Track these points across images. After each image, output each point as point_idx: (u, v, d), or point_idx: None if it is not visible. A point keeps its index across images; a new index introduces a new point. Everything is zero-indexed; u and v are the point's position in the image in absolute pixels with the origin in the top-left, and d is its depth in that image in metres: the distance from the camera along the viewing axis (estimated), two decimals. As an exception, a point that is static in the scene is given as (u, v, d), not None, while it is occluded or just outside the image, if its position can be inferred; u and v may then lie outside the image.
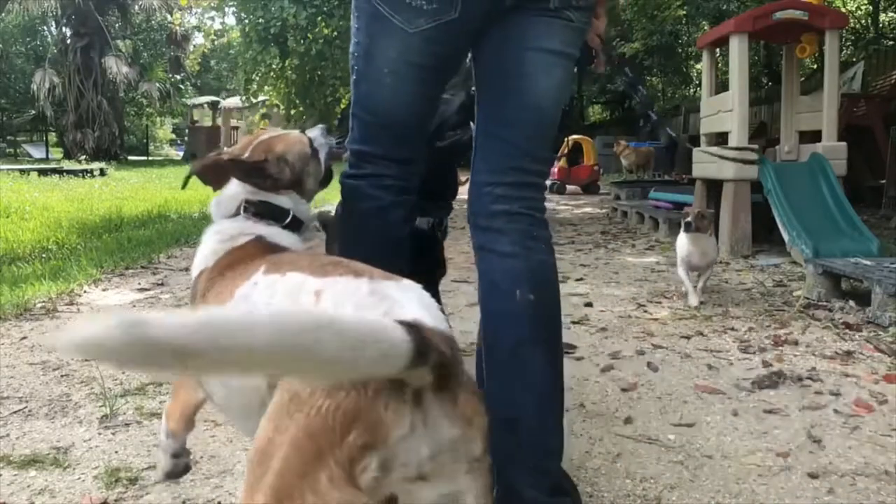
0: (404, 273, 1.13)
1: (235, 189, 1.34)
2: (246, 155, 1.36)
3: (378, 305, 0.89)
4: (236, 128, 25.35)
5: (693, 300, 3.33)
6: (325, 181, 1.49)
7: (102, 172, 13.96)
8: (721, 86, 5.89)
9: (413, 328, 0.71)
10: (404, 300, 0.90)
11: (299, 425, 0.75)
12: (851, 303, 3.22)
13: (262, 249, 1.22)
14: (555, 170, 11.81)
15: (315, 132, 1.48)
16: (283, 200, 1.35)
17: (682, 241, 3.44)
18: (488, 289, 1.35)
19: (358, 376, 0.73)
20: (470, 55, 1.43)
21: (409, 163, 1.43)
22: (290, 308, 0.87)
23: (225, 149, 1.45)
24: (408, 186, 1.45)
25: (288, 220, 1.33)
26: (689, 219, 3.40)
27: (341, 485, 0.73)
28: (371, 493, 0.75)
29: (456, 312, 2.86)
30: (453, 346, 0.83)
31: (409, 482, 0.79)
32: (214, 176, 1.36)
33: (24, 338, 2.68)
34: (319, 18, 9.79)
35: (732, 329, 2.90)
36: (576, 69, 1.45)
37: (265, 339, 0.60)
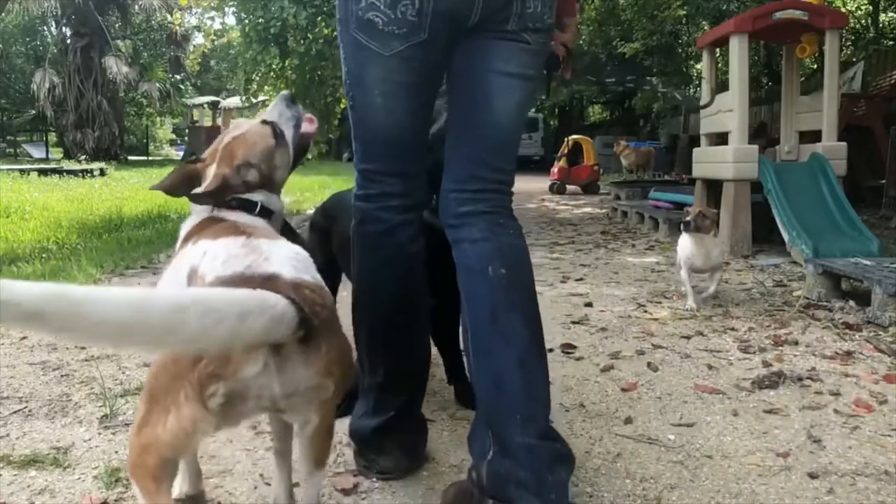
0: (421, 287, 1.44)
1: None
2: (213, 167, 1.40)
3: (247, 256, 1.02)
4: (236, 128, 25.32)
5: (691, 302, 3.24)
6: (298, 157, 1.53)
7: (102, 172, 13.96)
8: (721, 86, 5.89)
9: (292, 299, 0.86)
10: (271, 253, 1.03)
11: (168, 352, 0.94)
12: (851, 303, 3.22)
13: (215, 226, 1.27)
14: (555, 170, 11.82)
15: (276, 111, 1.51)
16: (254, 196, 1.40)
17: (684, 242, 3.33)
18: (464, 273, 1.45)
19: (243, 345, 0.87)
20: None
21: (410, 176, 1.53)
22: (160, 290, 0.97)
23: (198, 157, 1.48)
24: (413, 203, 1.55)
25: (257, 210, 1.39)
26: (688, 218, 3.27)
27: (193, 402, 0.92)
28: (222, 416, 0.94)
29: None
30: (323, 296, 0.98)
31: (265, 410, 0.98)
32: (185, 193, 1.40)
33: (24, 338, 2.68)
34: (319, 18, 9.78)
35: (732, 329, 2.90)
36: (545, 72, 1.57)
37: (118, 316, 0.72)
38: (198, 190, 1.36)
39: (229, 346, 0.86)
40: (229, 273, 0.99)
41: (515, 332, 1.37)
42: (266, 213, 1.40)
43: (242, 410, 0.96)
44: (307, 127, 1.54)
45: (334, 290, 2.00)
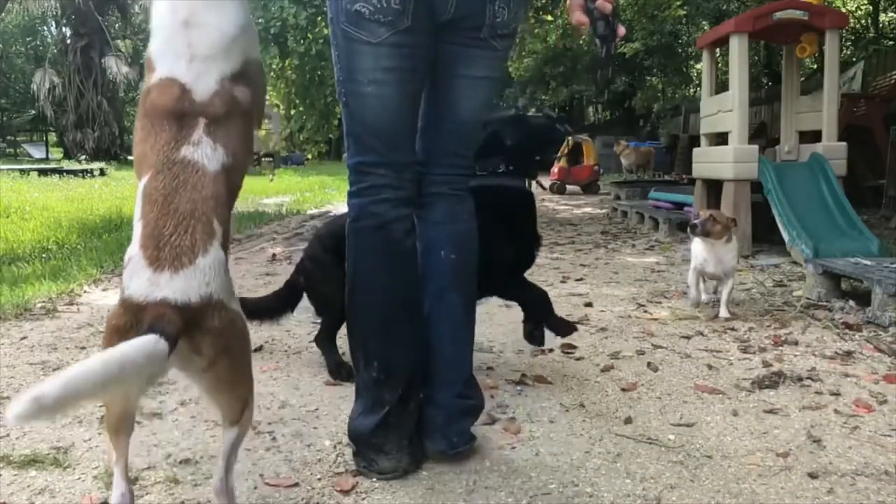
0: (415, 281, 1.69)
1: None
2: None
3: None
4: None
5: (693, 294, 3.18)
6: None
7: (102, 172, 13.97)
8: (721, 86, 5.89)
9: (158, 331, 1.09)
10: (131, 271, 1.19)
11: (107, 326, 1.21)
12: (851, 303, 3.22)
13: None
14: (555, 170, 11.81)
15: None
16: None
17: (697, 246, 3.15)
18: (423, 250, 1.70)
19: (147, 378, 1.18)
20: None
21: (401, 167, 1.62)
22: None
23: None
24: (405, 197, 1.64)
25: None
26: (696, 221, 3.09)
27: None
28: (142, 382, 1.20)
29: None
30: (198, 297, 1.16)
31: (167, 370, 1.21)
32: None
33: (24, 338, 2.68)
34: (319, 18, 9.77)
35: (732, 329, 2.90)
36: (603, 48, 1.59)
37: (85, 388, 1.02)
38: None
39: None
40: None
41: (454, 311, 1.71)
42: None
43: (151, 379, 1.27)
44: None
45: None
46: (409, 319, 1.65)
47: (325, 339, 2.36)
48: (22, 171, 12.75)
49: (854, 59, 10.12)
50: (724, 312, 3.08)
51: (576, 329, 2.44)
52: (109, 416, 1.28)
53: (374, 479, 1.56)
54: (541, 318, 2.34)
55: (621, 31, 1.58)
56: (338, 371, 2.27)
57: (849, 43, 13.93)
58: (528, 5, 1.77)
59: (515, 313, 3.03)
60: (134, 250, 1.19)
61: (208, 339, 1.17)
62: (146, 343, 1.08)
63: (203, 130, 1.28)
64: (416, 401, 1.66)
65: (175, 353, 1.12)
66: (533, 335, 2.37)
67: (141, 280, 1.16)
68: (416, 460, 1.63)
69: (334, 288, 2.03)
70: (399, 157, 1.61)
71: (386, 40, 1.49)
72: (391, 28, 1.48)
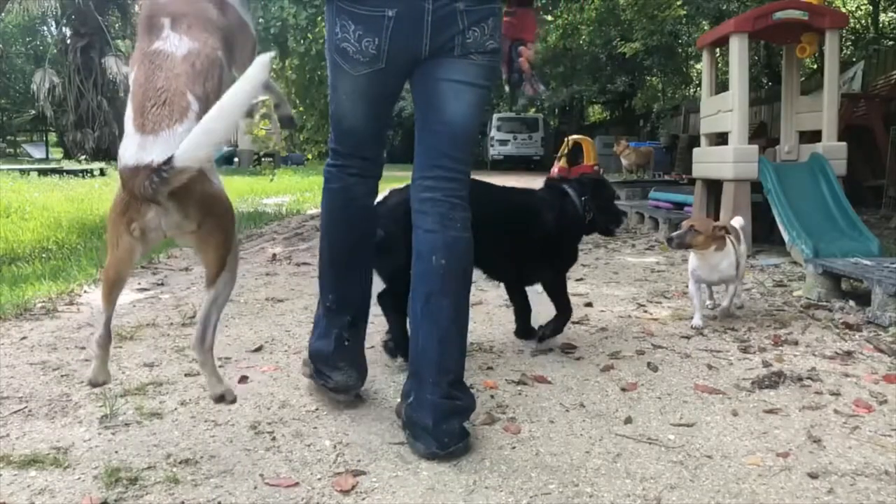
0: (366, 232, 2.01)
1: None
2: None
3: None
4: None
5: (697, 320, 2.93)
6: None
7: (102, 172, 13.98)
8: (721, 86, 5.89)
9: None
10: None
11: (111, 205, 1.56)
12: (851, 303, 3.22)
13: None
14: (555, 169, 11.81)
15: None
16: None
17: (691, 254, 3.02)
18: (415, 257, 1.82)
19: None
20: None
21: (367, 160, 1.97)
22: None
23: None
24: (368, 174, 1.99)
25: None
26: (673, 234, 2.96)
27: (125, 234, 1.52)
28: (142, 241, 1.53)
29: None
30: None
31: (163, 235, 1.54)
32: None
33: (24, 338, 2.69)
34: (319, 18, 9.77)
35: (732, 329, 2.89)
36: (508, 89, 1.94)
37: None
38: None
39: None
40: None
41: (442, 315, 1.76)
42: None
43: (151, 237, 1.53)
44: None
45: None
46: (359, 262, 2.01)
47: (388, 307, 2.35)
48: (22, 171, 12.75)
49: (854, 59, 10.12)
50: (725, 304, 3.04)
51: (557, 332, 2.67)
52: (107, 278, 1.62)
53: (335, 396, 1.94)
54: (553, 322, 2.62)
55: (538, 89, 2.00)
56: (385, 345, 2.41)
57: (849, 43, 13.93)
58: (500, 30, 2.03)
59: (513, 313, 3.03)
60: (126, 124, 1.50)
61: (195, 204, 1.48)
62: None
63: (168, 26, 1.60)
64: (363, 325, 2.03)
65: (167, 213, 1.47)
66: (527, 332, 2.68)
67: (132, 146, 1.46)
68: (362, 376, 2.00)
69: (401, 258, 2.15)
70: (365, 153, 1.96)
71: (363, 74, 1.80)
72: (368, 67, 1.78)
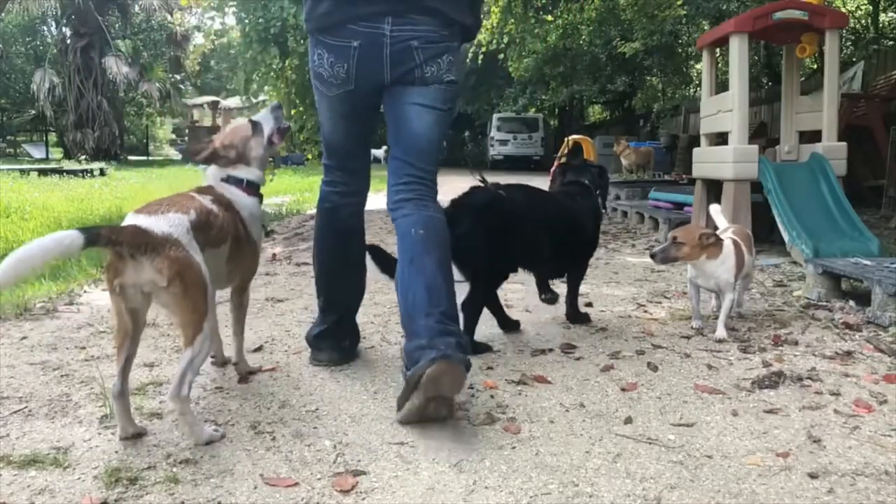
0: (353, 247, 2.37)
1: (212, 168, 2.14)
2: (215, 145, 2.14)
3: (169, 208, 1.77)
4: (236, 128, 25.33)
5: (696, 322, 2.93)
6: (271, 144, 2.22)
7: (102, 172, 13.97)
8: (721, 86, 5.89)
9: (89, 231, 1.55)
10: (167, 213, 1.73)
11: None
12: (851, 303, 3.22)
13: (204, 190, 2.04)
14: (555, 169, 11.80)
15: (261, 115, 2.25)
16: (240, 171, 2.12)
17: None
18: (399, 236, 2.05)
19: (57, 258, 1.58)
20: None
21: (353, 172, 2.32)
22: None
23: (213, 137, 2.24)
24: (352, 191, 2.32)
25: (244, 185, 2.11)
26: (656, 249, 2.85)
27: (110, 293, 1.68)
28: (123, 298, 1.66)
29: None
30: (139, 233, 1.63)
31: (141, 293, 1.66)
32: (196, 157, 2.18)
33: (24, 338, 2.69)
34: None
35: (732, 329, 2.89)
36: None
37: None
38: (200, 155, 2.12)
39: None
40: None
41: (426, 268, 1.95)
42: (253, 187, 2.13)
43: (129, 293, 1.66)
44: (276, 137, 2.23)
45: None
46: (346, 273, 2.36)
47: (469, 307, 2.53)
48: (22, 171, 12.74)
49: (854, 59, 10.11)
50: (719, 332, 2.75)
51: (588, 321, 3.03)
52: (114, 336, 1.77)
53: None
54: (570, 300, 3.03)
55: None
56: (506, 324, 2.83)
57: (849, 43, 13.92)
58: (460, 64, 2.15)
59: (514, 313, 3.02)
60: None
61: (167, 262, 1.62)
62: (70, 233, 1.52)
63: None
64: (347, 322, 2.41)
65: (142, 269, 1.62)
66: (549, 298, 3.06)
67: (125, 222, 1.67)
68: (344, 357, 2.38)
69: (482, 257, 2.50)
70: (350, 165, 2.31)
71: (337, 95, 2.14)
72: (340, 88, 2.11)
